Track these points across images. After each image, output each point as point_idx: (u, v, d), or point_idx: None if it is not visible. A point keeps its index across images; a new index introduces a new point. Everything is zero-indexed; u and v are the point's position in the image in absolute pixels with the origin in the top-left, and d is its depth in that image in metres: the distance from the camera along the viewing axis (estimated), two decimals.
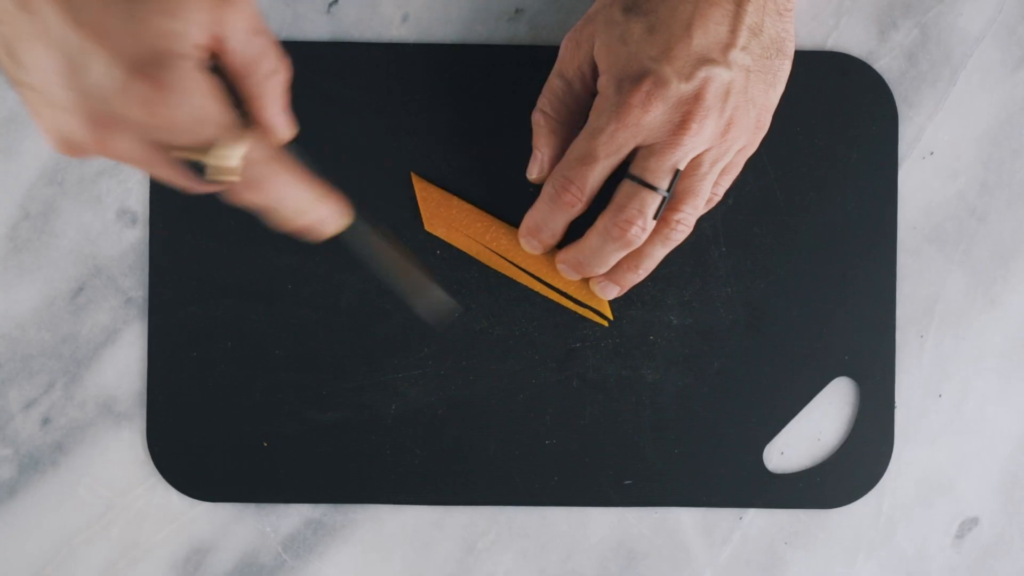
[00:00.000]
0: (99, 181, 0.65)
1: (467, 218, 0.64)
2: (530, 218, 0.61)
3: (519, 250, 0.63)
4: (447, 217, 0.64)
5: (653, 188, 0.56)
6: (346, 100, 0.64)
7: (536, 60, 0.64)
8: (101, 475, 0.65)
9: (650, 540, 0.66)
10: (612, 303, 0.65)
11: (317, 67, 0.64)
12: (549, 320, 0.65)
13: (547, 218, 0.60)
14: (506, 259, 0.64)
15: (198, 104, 0.44)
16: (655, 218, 0.57)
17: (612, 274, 0.61)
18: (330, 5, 0.65)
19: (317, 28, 0.65)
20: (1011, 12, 0.66)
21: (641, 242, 0.58)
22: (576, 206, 0.58)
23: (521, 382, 0.65)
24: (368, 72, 0.64)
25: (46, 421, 0.64)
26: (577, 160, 0.57)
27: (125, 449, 0.65)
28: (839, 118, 0.65)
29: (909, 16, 0.66)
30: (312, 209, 0.50)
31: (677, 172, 0.56)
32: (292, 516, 0.65)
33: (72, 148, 0.46)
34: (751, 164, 0.64)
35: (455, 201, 0.64)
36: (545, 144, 0.61)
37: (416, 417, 0.64)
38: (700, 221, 0.64)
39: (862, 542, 0.66)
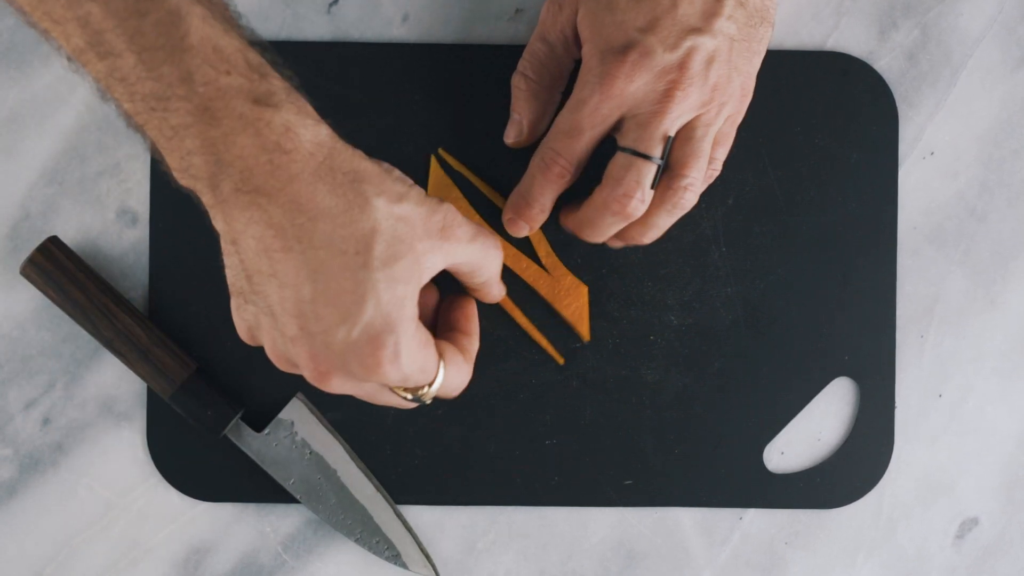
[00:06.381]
0: (99, 181, 0.64)
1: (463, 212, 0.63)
2: (516, 195, 0.60)
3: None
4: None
5: (647, 157, 0.56)
6: (346, 100, 0.64)
7: None
8: (101, 475, 0.65)
9: (650, 540, 0.66)
10: (613, 306, 0.64)
11: (317, 67, 0.64)
12: (549, 320, 0.65)
13: (535, 191, 0.59)
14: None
15: (411, 362, 0.49)
16: (652, 187, 0.57)
17: (620, 235, 0.61)
18: (330, 5, 0.65)
19: (317, 28, 0.65)
20: (1011, 12, 0.66)
21: (641, 214, 0.58)
22: (565, 178, 0.58)
23: (521, 382, 0.65)
24: (368, 72, 0.64)
25: (46, 421, 0.64)
26: (564, 133, 0.57)
27: (125, 449, 0.65)
28: (839, 118, 0.65)
29: (909, 16, 0.66)
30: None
31: (669, 139, 0.56)
32: (292, 516, 0.65)
33: (284, 363, 0.51)
34: (751, 164, 0.64)
35: (457, 193, 0.64)
36: (525, 108, 0.61)
37: (416, 417, 0.64)
38: (700, 221, 0.64)
39: (862, 542, 0.66)
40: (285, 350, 0.50)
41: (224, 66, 0.46)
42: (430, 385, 0.52)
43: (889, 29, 0.66)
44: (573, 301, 0.64)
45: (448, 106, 0.64)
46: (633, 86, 0.55)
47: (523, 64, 0.61)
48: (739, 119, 0.59)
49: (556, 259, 0.64)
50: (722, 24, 0.55)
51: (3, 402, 0.64)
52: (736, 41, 0.56)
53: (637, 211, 0.57)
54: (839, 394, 0.66)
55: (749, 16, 0.56)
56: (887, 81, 0.66)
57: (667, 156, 0.57)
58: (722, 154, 0.60)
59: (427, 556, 0.64)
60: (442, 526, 0.65)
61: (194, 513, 0.65)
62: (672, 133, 0.56)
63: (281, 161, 0.47)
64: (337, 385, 0.50)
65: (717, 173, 0.60)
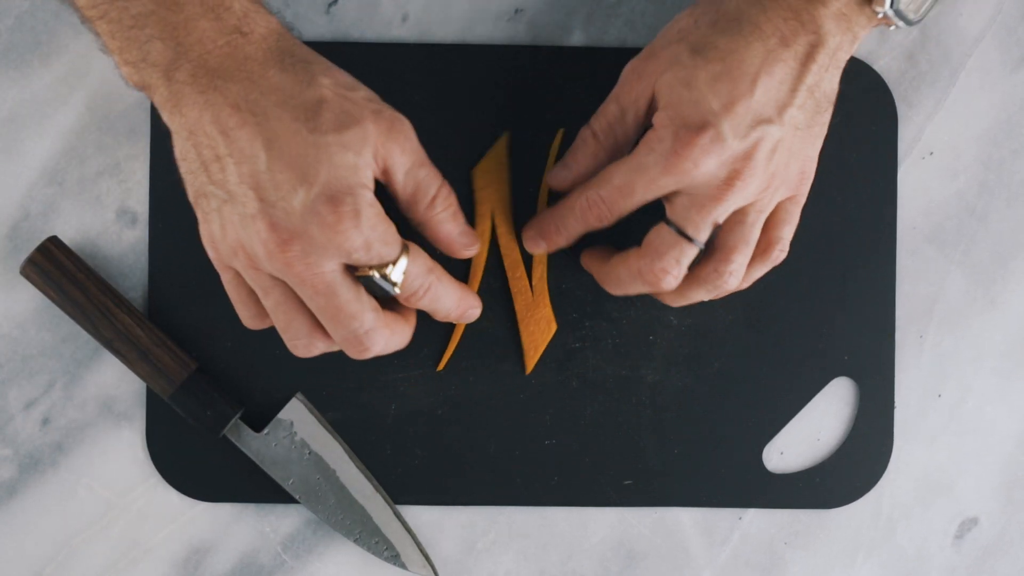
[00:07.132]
0: (99, 181, 0.64)
1: (496, 195, 0.64)
2: (548, 216, 0.60)
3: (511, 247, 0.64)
4: (489, 179, 0.64)
5: (692, 240, 0.56)
6: None
7: (536, 60, 0.65)
8: (101, 475, 0.65)
9: (650, 540, 0.66)
10: (612, 306, 0.64)
11: None
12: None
13: (568, 223, 0.59)
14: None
15: (371, 227, 0.50)
16: (689, 268, 0.57)
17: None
18: (330, 5, 0.65)
19: (317, 28, 0.65)
20: (1011, 12, 0.66)
21: (672, 288, 0.58)
22: (602, 223, 0.58)
23: (521, 382, 0.65)
24: (368, 72, 0.64)
25: (46, 421, 0.64)
26: (616, 188, 0.56)
27: (125, 449, 0.65)
28: (839, 118, 0.65)
29: None
30: (461, 309, 0.57)
31: (717, 226, 0.56)
32: (292, 516, 0.65)
33: (244, 257, 0.51)
34: None
35: (505, 175, 0.64)
36: (581, 163, 0.60)
37: (416, 417, 0.64)
38: None
39: (862, 542, 0.66)
40: (247, 236, 0.51)
41: None
42: (394, 264, 0.52)
43: (888, 29, 0.66)
44: (537, 332, 0.64)
45: (448, 106, 0.64)
46: (698, 170, 0.54)
47: (595, 122, 0.59)
48: (802, 200, 0.59)
49: (545, 287, 0.64)
50: (791, 114, 0.55)
51: (3, 402, 0.64)
52: (800, 129, 0.56)
53: (669, 286, 0.57)
54: (839, 394, 0.66)
55: (817, 103, 0.56)
56: (886, 81, 0.66)
57: (712, 240, 0.57)
58: (788, 233, 0.59)
59: (426, 556, 0.64)
60: (442, 526, 0.65)
61: (194, 513, 0.65)
62: (721, 220, 0.56)
63: (239, 43, 0.50)
64: (298, 257, 0.50)
65: (784, 254, 0.59)
